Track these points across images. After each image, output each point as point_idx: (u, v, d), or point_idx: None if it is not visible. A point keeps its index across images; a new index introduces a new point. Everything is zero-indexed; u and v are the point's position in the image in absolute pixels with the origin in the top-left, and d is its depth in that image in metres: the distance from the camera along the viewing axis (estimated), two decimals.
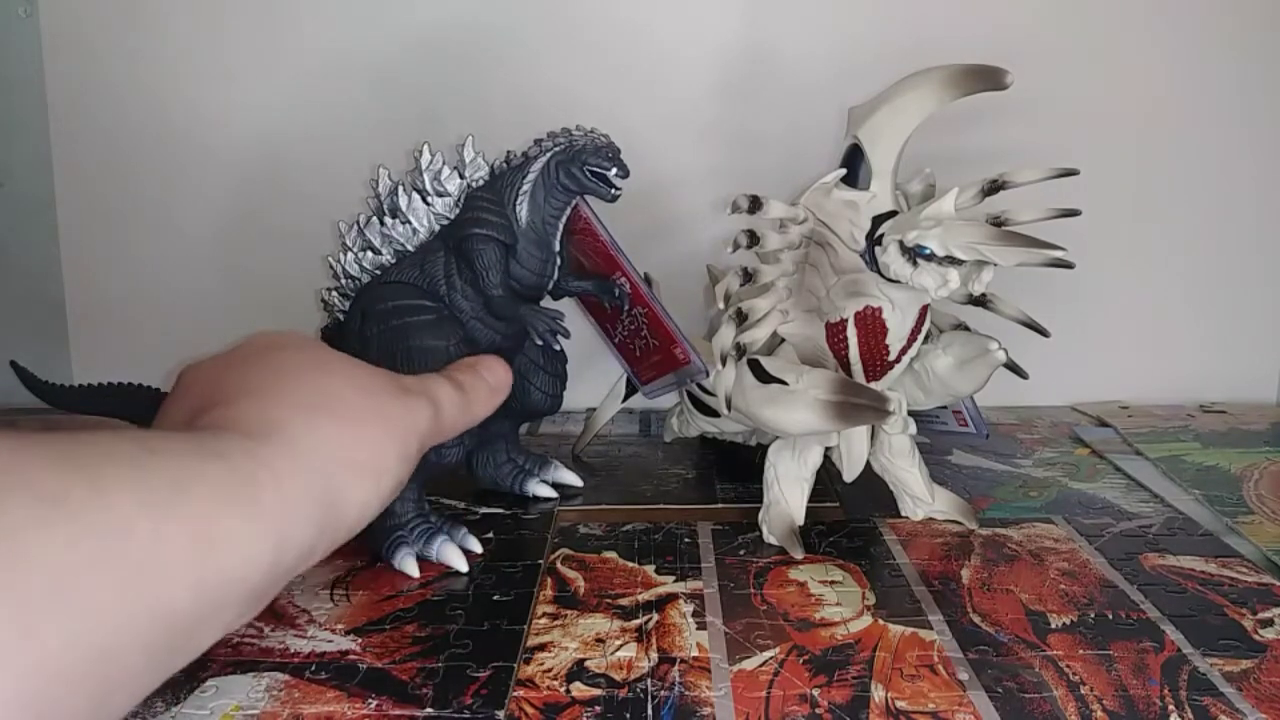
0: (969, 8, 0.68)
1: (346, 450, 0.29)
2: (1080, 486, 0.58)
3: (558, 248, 0.51)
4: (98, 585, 0.21)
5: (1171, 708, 0.36)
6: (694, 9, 0.69)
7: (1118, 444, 0.66)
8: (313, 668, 0.39)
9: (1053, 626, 0.42)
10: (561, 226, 0.50)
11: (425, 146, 0.50)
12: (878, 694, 0.37)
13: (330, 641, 0.41)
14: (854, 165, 0.47)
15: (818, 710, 0.36)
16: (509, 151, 0.51)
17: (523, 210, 0.49)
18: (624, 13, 0.69)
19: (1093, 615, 0.43)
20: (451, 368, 0.36)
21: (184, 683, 0.38)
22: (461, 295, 0.49)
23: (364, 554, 0.48)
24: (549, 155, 0.49)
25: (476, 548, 0.49)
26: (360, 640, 0.41)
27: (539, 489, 0.55)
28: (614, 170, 0.48)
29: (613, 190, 0.49)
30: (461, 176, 0.50)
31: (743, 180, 0.51)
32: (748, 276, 0.48)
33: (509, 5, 0.69)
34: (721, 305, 0.48)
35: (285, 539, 0.26)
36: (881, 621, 0.42)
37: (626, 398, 0.62)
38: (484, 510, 0.54)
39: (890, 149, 0.46)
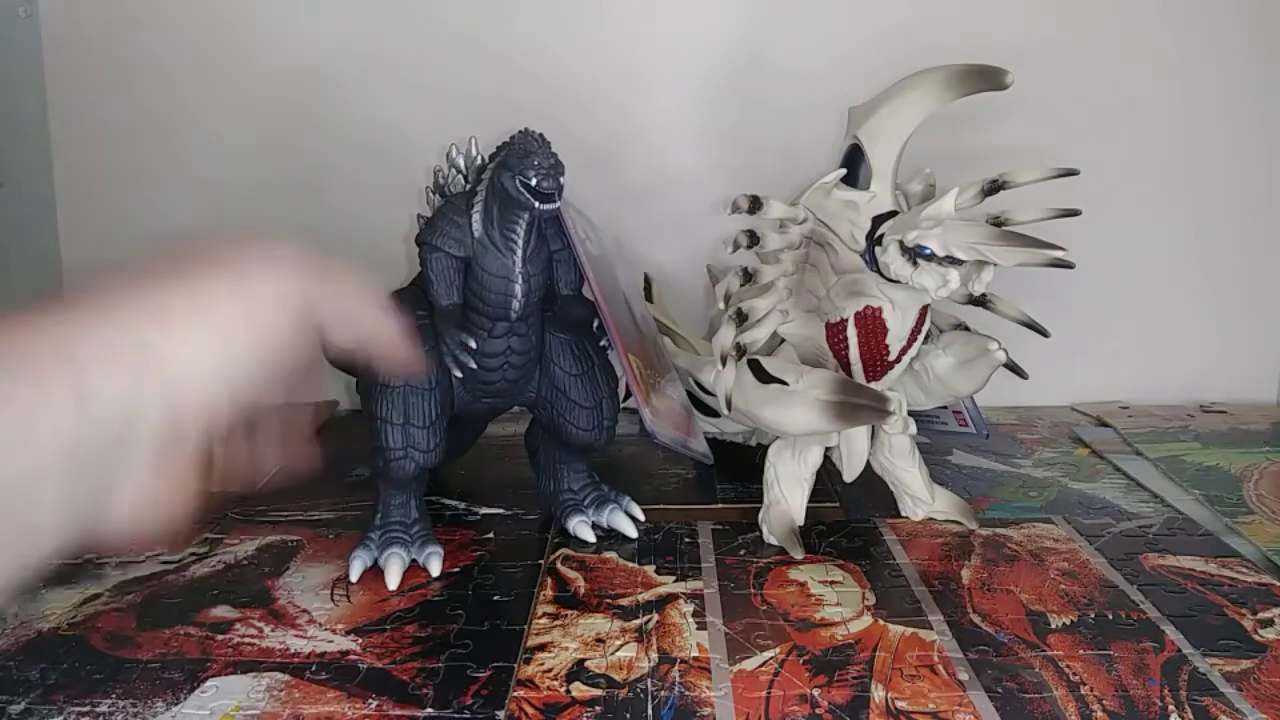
0: (969, 8, 0.68)
1: (152, 299, 0.29)
2: (1080, 486, 0.58)
3: (518, 266, 0.45)
4: None
5: (1171, 708, 0.36)
6: (695, 9, 0.69)
7: (1118, 444, 0.66)
8: (313, 668, 0.39)
9: (1053, 626, 0.42)
10: (521, 241, 0.45)
11: (452, 146, 0.48)
12: (878, 694, 0.37)
13: (330, 642, 0.41)
14: (854, 165, 0.47)
15: (818, 710, 0.36)
16: (480, 157, 0.48)
17: (476, 221, 0.45)
18: (625, 13, 0.69)
19: (1093, 615, 0.43)
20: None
21: (184, 683, 0.38)
22: (431, 304, 0.47)
23: None
24: (494, 164, 0.45)
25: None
26: (360, 640, 0.41)
27: (580, 529, 0.51)
28: (535, 178, 0.42)
29: (536, 202, 0.43)
30: (442, 190, 0.48)
31: (743, 180, 0.51)
32: (748, 276, 0.48)
33: (508, 7, 0.69)
34: (722, 305, 0.48)
35: (87, 391, 0.26)
36: (881, 621, 0.42)
37: (626, 398, 0.62)
38: (484, 510, 0.54)
39: (890, 149, 0.46)
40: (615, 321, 0.46)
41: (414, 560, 0.47)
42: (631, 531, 0.51)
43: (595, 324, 0.49)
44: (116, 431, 0.28)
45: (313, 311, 0.33)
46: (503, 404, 0.51)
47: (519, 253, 0.45)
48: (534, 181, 0.42)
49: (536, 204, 0.43)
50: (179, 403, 0.30)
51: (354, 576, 0.46)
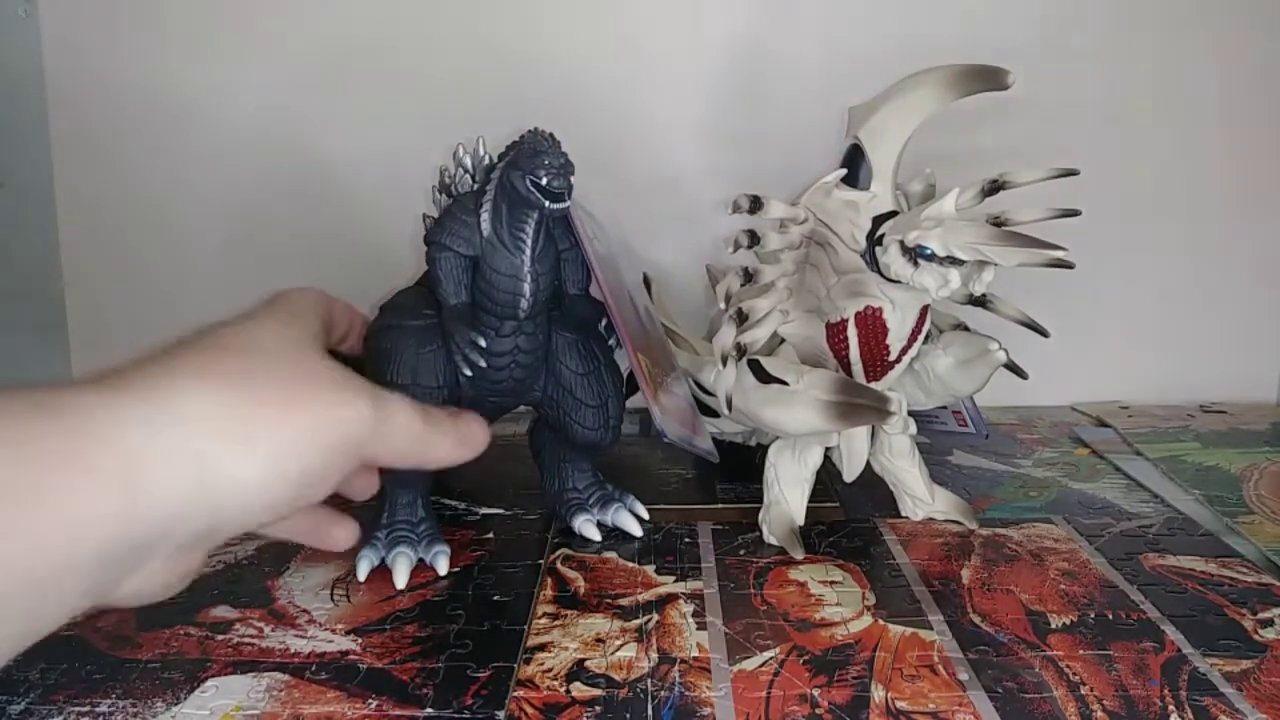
0: (969, 7, 0.68)
1: (232, 421, 0.29)
2: (1080, 486, 0.58)
3: (527, 265, 0.45)
4: None
5: (1171, 708, 0.36)
6: (697, 10, 0.69)
7: (1118, 444, 0.66)
8: (313, 668, 0.39)
9: (1053, 626, 0.42)
10: (530, 240, 0.45)
11: (459, 146, 0.48)
12: (878, 694, 0.37)
13: (330, 642, 0.41)
14: (854, 165, 0.47)
15: (818, 710, 0.36)
16: (488, 156, 0.48)
17: (485, 220, 0.45)
18: (626, 14, 0.69)
19: (1093, 615, 0.43)
20: (432, 407, 0.36)
21: (184, 683, 0.38)
22: (439, 303, 0.47)
23: None
24: (504, 163, 0.45)
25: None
26: (360, 640, 0.41)
27: (585, 528, 0.51)
28: (545, 177, 0.42)
29: (546, 202, 0.43)
30: (448, 190, 0.49)
31: (743, 180, 0.51)
32: (748, 276, 0.48)
33: (508, 5, 0.69)
34: (722, 305, 0.48)
35: (136, 496, 0.26)
36: (881, 621, 0.42)
37: (627, 397, 0.62)
38: (484, 510, 0.54)
39: (891, 149, 0.46)
40: (623, 320, 0.46)
41: (420, 559, 0.47)
42: (636, 530, 0.51)
43: (603, 323, 0.49)
44: (155, 534, 0.28)
45: (366, 454, 0.34)
46: (509, 403, 0.51)
47: (527, 252, 0.45)
48: (544, 181, 0.42)
49: (547, 203, 0.43)
50: (222, 515, 0.29)
51: (361, 576, 0.46)
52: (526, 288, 0.46)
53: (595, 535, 0.50)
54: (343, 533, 0.44)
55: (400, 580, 0.45)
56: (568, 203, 0.43)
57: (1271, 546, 0.50)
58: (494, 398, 0.49)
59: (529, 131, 0.45)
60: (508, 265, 0.45)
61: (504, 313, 0.46)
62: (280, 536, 0.42)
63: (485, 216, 0.45)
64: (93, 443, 0.26)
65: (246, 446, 0.29)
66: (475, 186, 0.47)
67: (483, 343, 0.45)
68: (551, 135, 0.44)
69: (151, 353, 0.31)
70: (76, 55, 0.69)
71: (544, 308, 0.48)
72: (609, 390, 0.49)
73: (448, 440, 0.39)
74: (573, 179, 0.43)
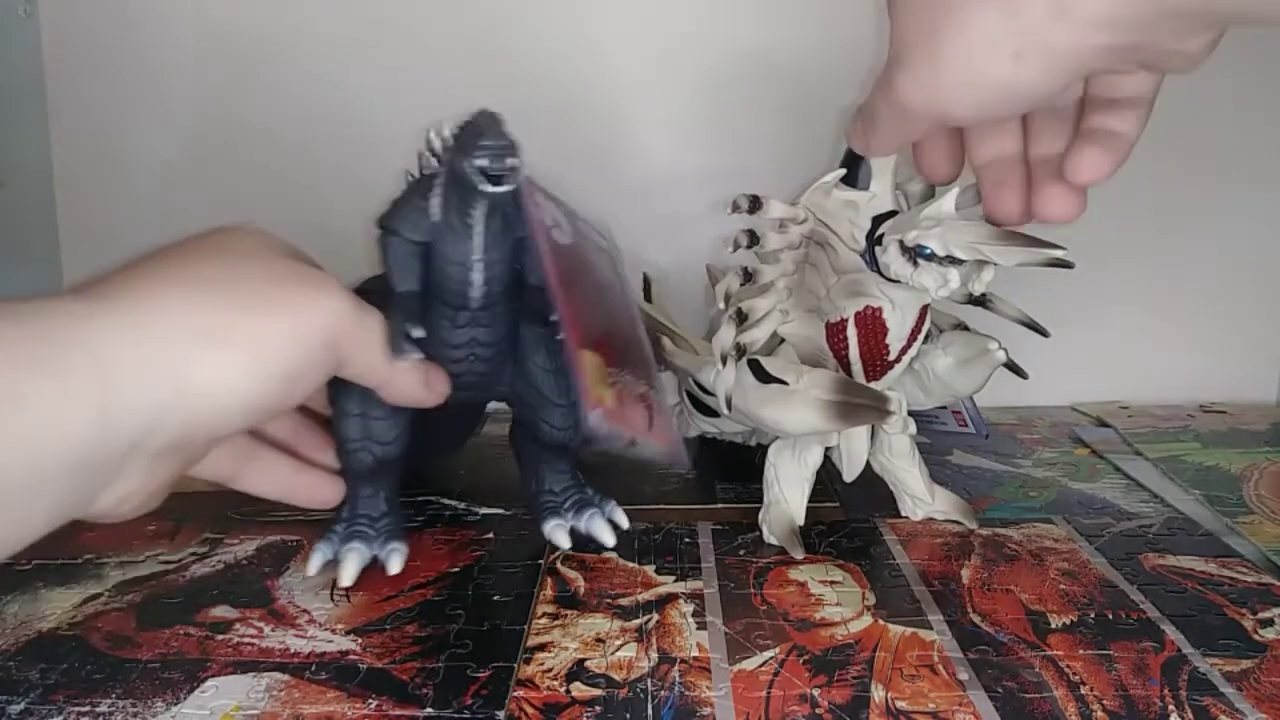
0: None
1: (209, 324, 0.29)
2: (1080, 486, 0.58)
3: (476, 252, 0.43)
4: None
5: (1171, 708, 0.36)
6: (696, 9, 0.69)
7: (1118, 444, 0.66)
8: (313, 668, 0.39)
9: (1053, 626, 0.42)
10: (479, 226, 0.42)
11: (430, 129, 0.45)
12: (878, 694, 0.37)
13: (330, 641, 0.41)
14: (853, 165, 0.47)
15: (818, 710, 0.36)
16: (451, 140, 0.45)
17: (434, 205, 0.43)
18: (625, 13, 0.69)
19: (1093, 615, 0.43)
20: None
21: (184, 683, 0.38)
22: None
23: None
24: (453, 147, 0.42)
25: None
26: (360, 640, 0.41)
27: (555, 534, 0.49)
28: (483, 159, 0.39)
29: (488, 185, 0.40)
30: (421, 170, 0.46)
31: (742, 180, 0.51)
32: (748, 276, 0.48)
33: (508, 5, 0.69)
34: (721, 305, 0.48)
35: (110, 402, 0.26)
36: (881, 621, 0.42)
37: None
38: (484, 510, 0.54)
39: None
40: (575, 315, 0.43)
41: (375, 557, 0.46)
42: (609, 540, 0.49)
43: (555, 316, 0.46)
44: (129, 442, 0.27)
45: (342, 355, 0.34)
46: (474, 397, 0.49)
47: (475, 238, 0.43)
48: (481, 164, 0.40)
49: (487, 187, 0.40)
50: (197, 421, 0.29)
51: (312, 570, 0.45)
52: (475, 276, 0.43)
53: (565, 542, 0.49)
54: (329, 490, 0.44)
55: (347, 578, 0.44)
56: (508, 187, 0.40)
57: (1271, 546, 0.50)
58: (459, 391, 0.46)
59: (477, 111, 0.42)
60: (458, 252, 0.43)
61: (456, 301, 0.44)
62: (263, 493, 0.41)
63: (435, 201, 0.43)
64: (64, 347, 0.25)
65: (225, 349, 0.29)
66: (422, 171, 0.44)
67: (417, 333, 0.42)
68: (495, 115, 0.41)
69: (125, 263, 0.31)
70: (76, 55, 0.70)
71: (501, 297, 0.45)
72: (579, 388, 0.48)
73: (416, 373, 0.40)
74: (513, 161, 0.40)
